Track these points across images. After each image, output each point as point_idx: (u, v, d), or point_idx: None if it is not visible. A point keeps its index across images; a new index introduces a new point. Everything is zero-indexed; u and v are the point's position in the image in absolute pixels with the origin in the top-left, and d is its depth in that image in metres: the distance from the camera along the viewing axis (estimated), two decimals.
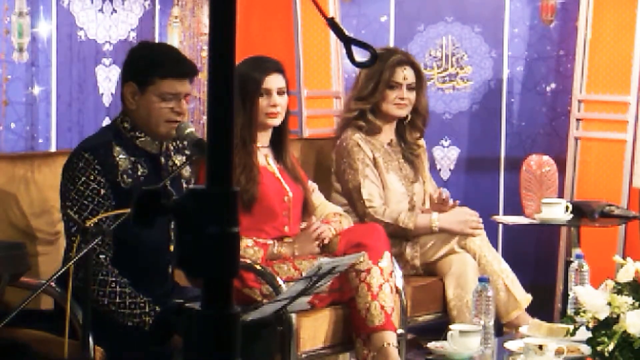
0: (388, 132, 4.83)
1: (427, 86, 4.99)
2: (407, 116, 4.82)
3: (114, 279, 3.46)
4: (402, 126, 4.85)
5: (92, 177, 3.48)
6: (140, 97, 3.57)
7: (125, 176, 3.53)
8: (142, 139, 3.61)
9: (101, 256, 3.47)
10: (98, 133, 3.72)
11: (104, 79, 5.02)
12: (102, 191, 3.48)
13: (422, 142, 4.93)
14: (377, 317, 4.05)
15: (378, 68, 4.68)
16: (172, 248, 3.68)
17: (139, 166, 3.58)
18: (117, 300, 3.44)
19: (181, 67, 3.59)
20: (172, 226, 3.56)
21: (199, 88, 5.48)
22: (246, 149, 4.12)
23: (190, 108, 5.34)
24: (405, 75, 4.74)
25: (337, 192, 4.74)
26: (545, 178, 4.99)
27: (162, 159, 3.66)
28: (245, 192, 4.05)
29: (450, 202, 4.70)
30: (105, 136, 3.60)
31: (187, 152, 3.74)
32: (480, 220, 4.67)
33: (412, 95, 4.76)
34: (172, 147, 3.72)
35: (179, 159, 3.72)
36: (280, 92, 4.18)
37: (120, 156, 3.55)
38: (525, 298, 4.61)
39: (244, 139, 4.12)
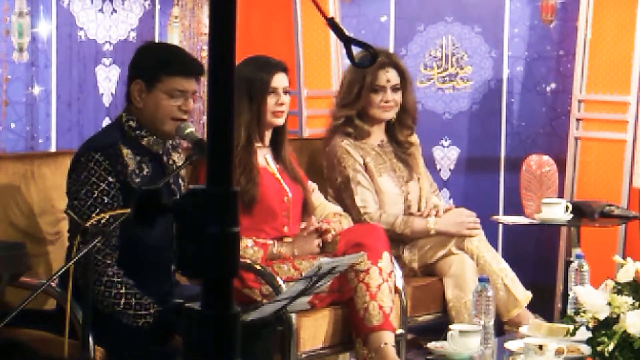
0: (377, 134, 4.75)
1: (412, 84, 4.86)
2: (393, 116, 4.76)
3: (120, 280, 3.45)
4: (392, 126, 4.77)
5: (102, 178, 3.48)
6: (147, 95, 3.57)
7: (134, 176, 3.53)
8: (147, 138, 3.61)
9: (107, 257, 3.47)
10: (104, 132, 3.72)
11: (104, 79, 5.02)
12: (112, 192, 3.48)
13: (414, 138, 4.84)
14: (375, 317, 4.05)
15: (360, 73, 4.58)
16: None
17: (144, 166, 3.58)
18: (123, 301, 3.43)
19: (188, 65, 3.61)
20: None
21: (199, 88, 5.48)
22: (247, 149, 4.12)
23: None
24: (388, 77, 4.65)
25: (331, 198, 4.68)
26: (545, 178, 4.99)
27: (164, 158, 3.67)
28: (246, 193, 4.05)
29: (446, 206, 4.70)
30: (113, 136, 3.59)
31: (179, 150, 3.75)
32: (478, 220, 4.65)
33: (397, 96, 4.68)
34: (169, 145, 3.72)
35: (175, 157, 3.73)
36: (285, 91, 4.19)
37: (129, 156, 3.55)
38: (525, 296, 4.60)
39: (250, 138, 4.12)
